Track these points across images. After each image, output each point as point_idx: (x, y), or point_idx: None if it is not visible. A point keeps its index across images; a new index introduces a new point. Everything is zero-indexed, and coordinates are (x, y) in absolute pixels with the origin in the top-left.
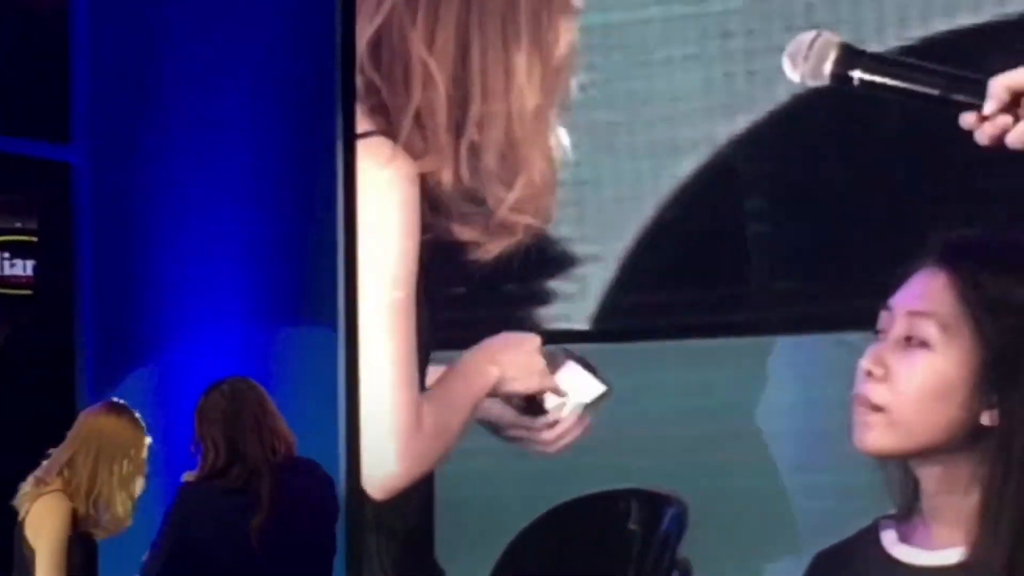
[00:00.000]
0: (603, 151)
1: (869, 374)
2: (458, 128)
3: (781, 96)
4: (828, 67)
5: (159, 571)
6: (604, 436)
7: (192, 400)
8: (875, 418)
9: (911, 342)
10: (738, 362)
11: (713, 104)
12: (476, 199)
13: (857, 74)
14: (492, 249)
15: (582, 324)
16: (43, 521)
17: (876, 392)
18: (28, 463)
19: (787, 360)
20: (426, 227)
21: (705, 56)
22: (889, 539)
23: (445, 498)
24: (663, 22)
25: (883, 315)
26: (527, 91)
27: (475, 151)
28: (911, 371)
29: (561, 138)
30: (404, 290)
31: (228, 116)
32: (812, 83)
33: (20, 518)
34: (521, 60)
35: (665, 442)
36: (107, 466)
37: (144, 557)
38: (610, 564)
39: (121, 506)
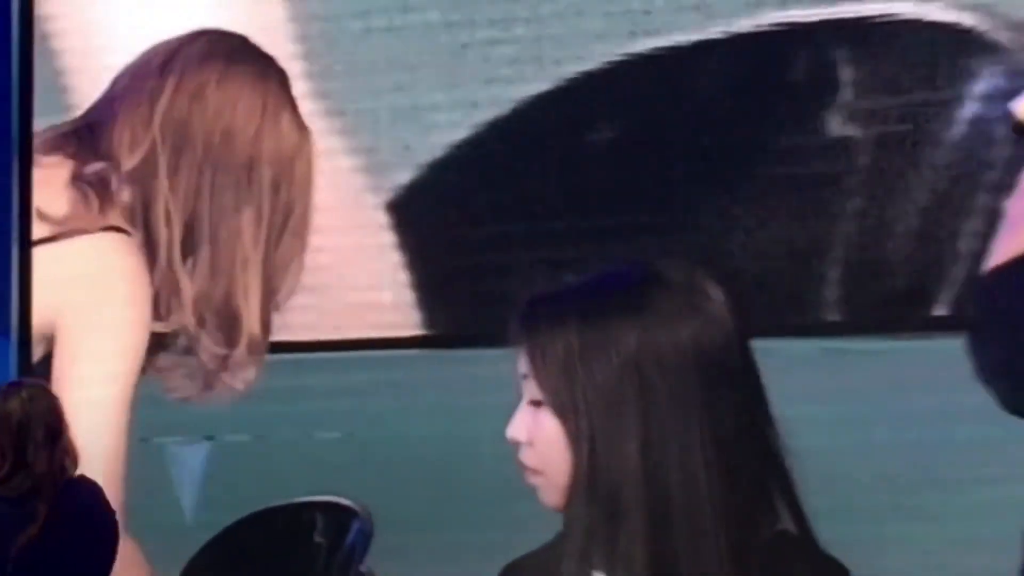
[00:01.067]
0: None
1: (519, 443)
2: (188, 274)
3: None
4: None
5: None
6: (293, 447)
7: None
8: (538, 480)
9: (533, 403)
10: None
11: None
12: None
13: None
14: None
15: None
16: None
17: (528, 457)
18: None
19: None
20: None
21: None
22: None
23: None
24: None
25: None
26: (252, 258)
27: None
28: (540, 431)
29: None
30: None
31: None
32: None
33: None
34: (249, 228)
35: (358, 451)
36: None
37: None
38: (295, 575)
39: None
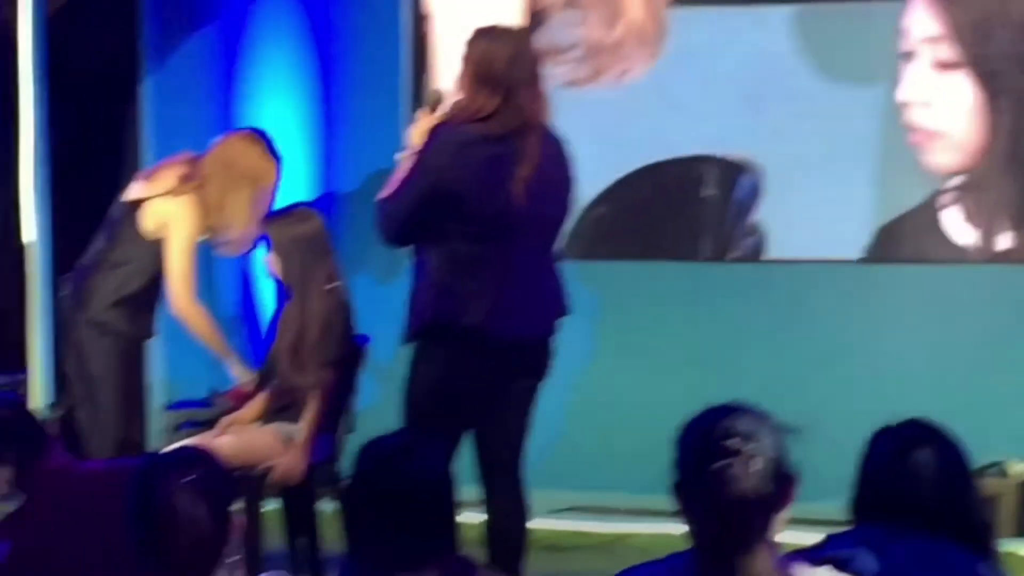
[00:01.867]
0: None
1: (912, 104)
2: None
3: None
4: None
5: (407, 211)
6: (682, 102)
7: (255, 57)
8: (930, 143)
9: (939, 65)
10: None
11: None
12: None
13: None
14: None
15: None
16: (181, 217)
17: (923, 118)
18: (91, 126)
19: None
20: None
21: None
22: (949, 217)
23: None
24: None
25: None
26: None
27: None
28: (947, 93)
29: None
30: None
31: None
32: None
33: (134, 198)
34: None
35: (742, 105)
36: (238, 191)
37: (382, 195)
38: (685, 228)
39: (244, 228)
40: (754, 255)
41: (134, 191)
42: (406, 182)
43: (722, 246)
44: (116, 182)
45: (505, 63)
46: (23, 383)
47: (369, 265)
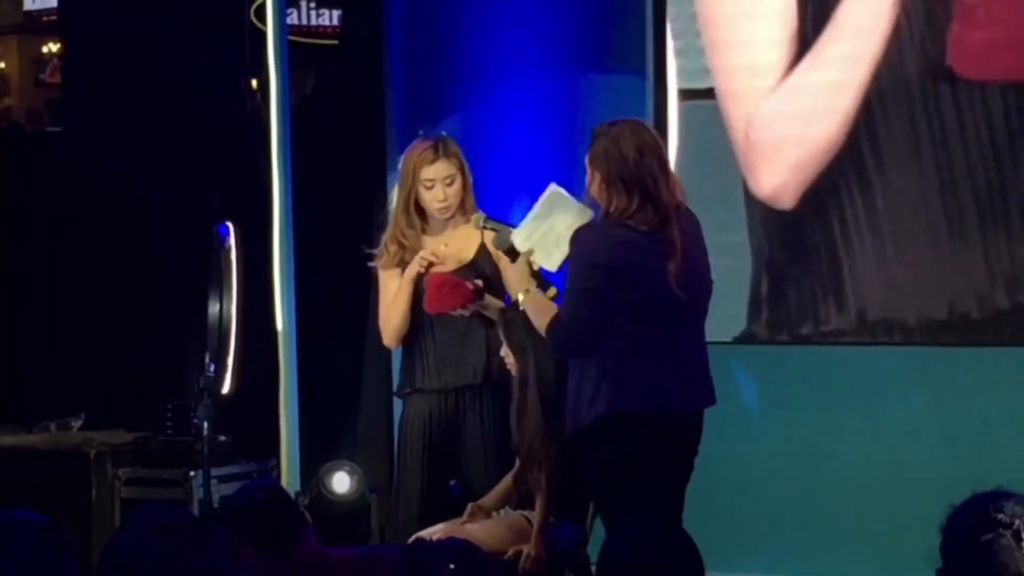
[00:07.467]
0: None
1: None
2: None
3: None
4: None
5: (587, 316)
6: None
7: (500, 148)
8: None
9: None
10: None
11: None
12: None
13: None
14: None
15: None
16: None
17: None
18: (337, 215)
19: None
20: None
21: None
22: None
23: None
24: None
25: None
26: None
27: None
28: None
29: None
30: None
31: None
32: None
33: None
34: None
35: None
36: (402, 196)
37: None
38: None
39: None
40: None
41: None
42: (571, 292)
43: None
44: (363, 273)
45: (633, 162)
46: (272, 470)
47: None
